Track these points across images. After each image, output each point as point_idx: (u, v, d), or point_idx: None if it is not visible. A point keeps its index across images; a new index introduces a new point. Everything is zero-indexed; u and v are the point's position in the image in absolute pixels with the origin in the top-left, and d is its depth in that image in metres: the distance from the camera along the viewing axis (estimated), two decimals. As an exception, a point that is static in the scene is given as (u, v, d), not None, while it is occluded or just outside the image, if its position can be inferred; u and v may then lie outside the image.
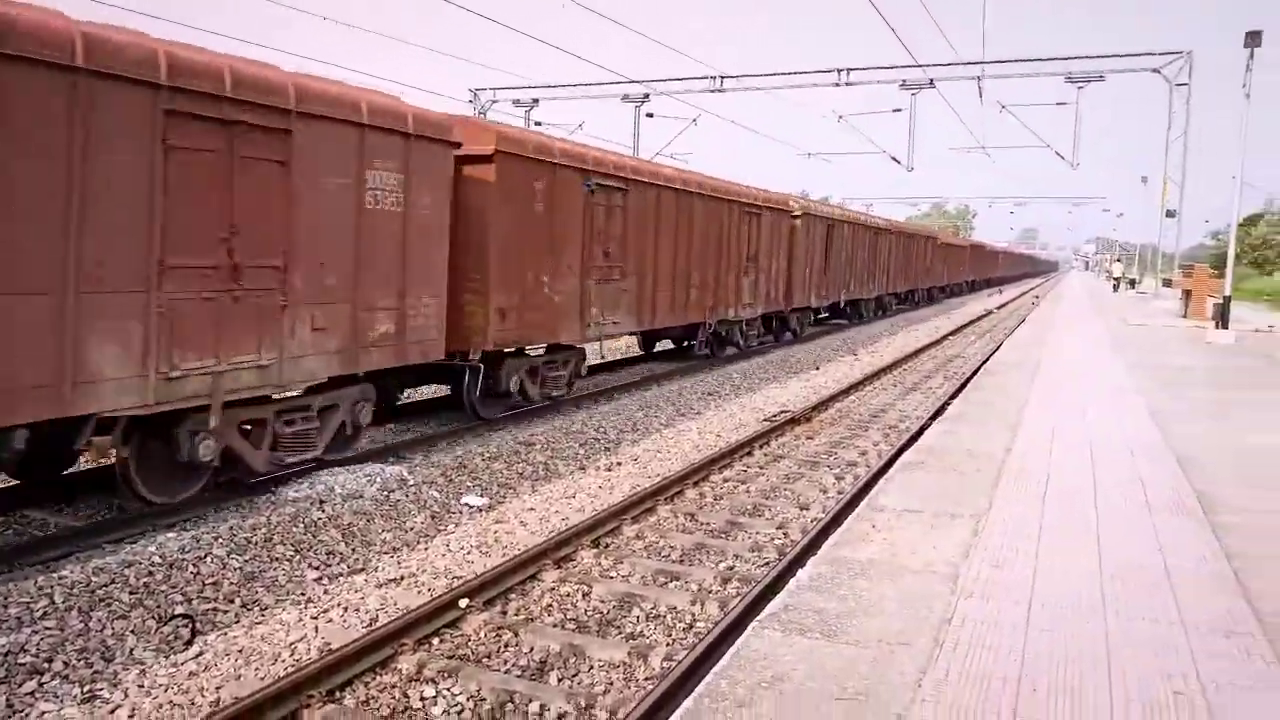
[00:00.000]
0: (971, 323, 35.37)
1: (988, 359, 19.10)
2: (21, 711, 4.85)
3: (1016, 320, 34.05)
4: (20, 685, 5.06)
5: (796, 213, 23.57)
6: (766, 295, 21.45)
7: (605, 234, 13.80)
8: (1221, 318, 22.88)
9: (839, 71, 32.11)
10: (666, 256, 16.08)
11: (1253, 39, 22.97)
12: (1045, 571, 5.59)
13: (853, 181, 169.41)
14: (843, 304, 29.38)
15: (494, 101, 38.01)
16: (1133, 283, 63.54)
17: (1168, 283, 39.60)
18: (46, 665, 5.28)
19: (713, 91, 33.90)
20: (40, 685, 5.09)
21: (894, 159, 34.86)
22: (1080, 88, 30.33)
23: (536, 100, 37.66)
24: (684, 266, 16.80)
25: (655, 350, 20.68)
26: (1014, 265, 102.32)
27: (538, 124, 37.55)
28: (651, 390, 15.74)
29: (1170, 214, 34.92)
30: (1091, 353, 18.94)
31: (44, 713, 4.85)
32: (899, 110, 32.94)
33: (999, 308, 46.77)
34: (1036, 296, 56.57)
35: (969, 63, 30.61)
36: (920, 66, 29.99)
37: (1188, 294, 30.85)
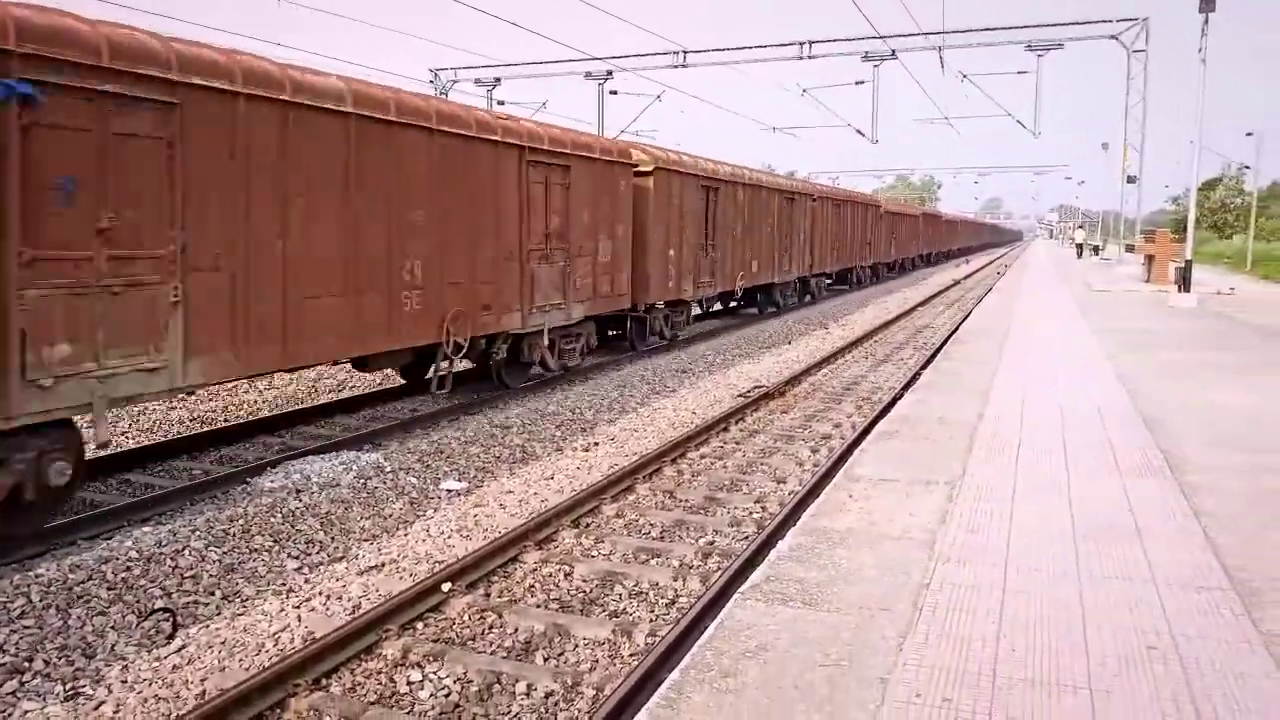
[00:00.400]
0: (939, 293, 35.68)
1: (957, 328, 19.31)
2: (4, 712, 4.81)
3: (984, 289, 34.40)
4: (1, 685, 5.01)
5: (644, 167, 16.54)
6: (593, 289, 14.62)
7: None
8: (1184, 281, 23.26)
9: (801, 44, 32.12)
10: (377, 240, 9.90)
11: (1207, 4, 23.20)
12: (1020, 534, 5.70)
13: (820, 156, 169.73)
14: (739, 292, 22.93)
15: (454, 81, 37.68)
16: (1096, 249, 64.44)
17: (1130, 248, 40.15)
18: (27, 664, 5.23)
19: (676, 67, 33.82)
20: (21, 684, 5.05)
21: (858, 131, 34.99)
22: (1040, 56, 30.61)
23: (498, 80, 37.38)
24: (381, 254, 9.89)
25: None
26: (975, 235, 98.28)
27: (500, 103, 37.28)
28: (625, 369, 15.77)
29: (1131, 180, 35.42)
30: (1058, 319, 19.20)
31: (27, 712, 4.82)
32: (862, 82, 33.07)
33: (965, 278, 47.19)
34: (1004, 266, 57.10)
35: (930, 33, 30.76)
36: (881, 38, 30.08)
37: (1150, 259, 31.32)
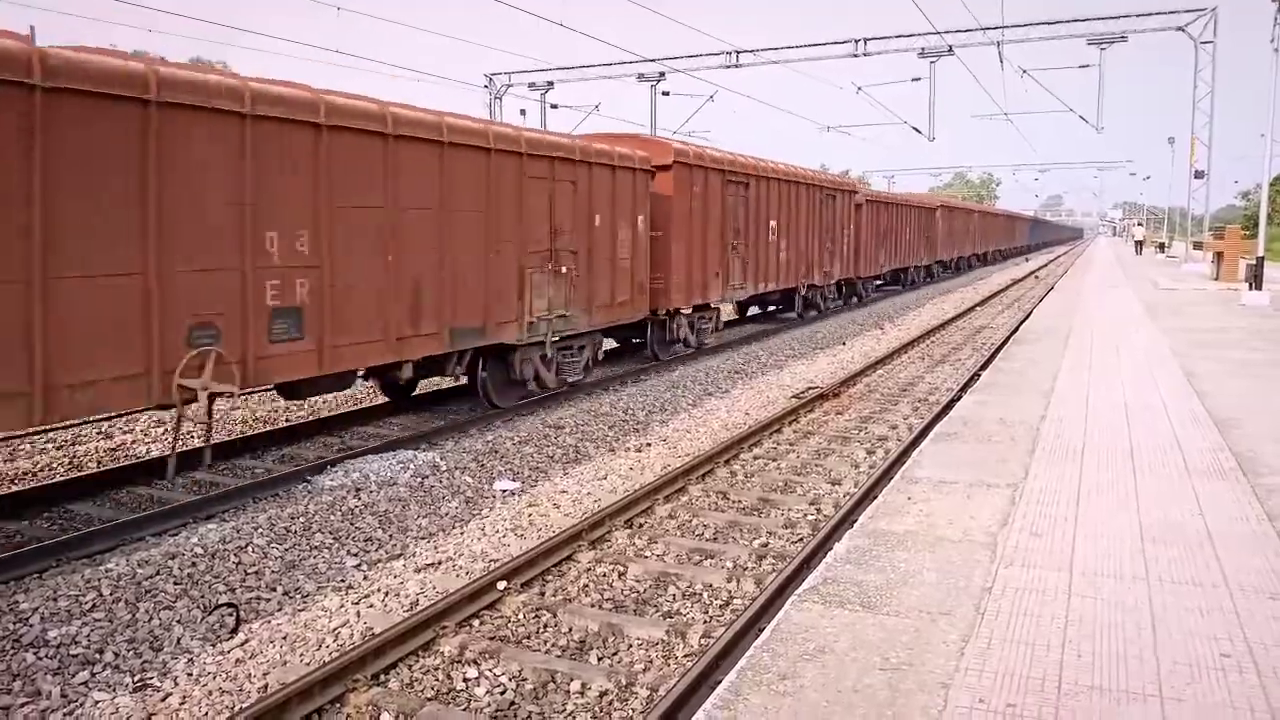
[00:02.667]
0: (997, 294, 35.01)
1: (1017, 328, 18.92)
2: (76, 701, 4.95)
3: (1044, 289, 33.66)
4: (74, 676, 5.17)
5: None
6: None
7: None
8: (1255, 279, 22.51)
9: (856, 42, 31.77)
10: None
11: (1281, -8, 22.44)
12: (1085, 538, 5.55)
13: (875, 154, 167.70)
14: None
15: (509, 86, 37.96)
16: (1161, 246, 62.66)
17: (1198, 245, 38.95)
18: (98, 656, 5.38)
19: (729, 67, 33.68)
20: (93, 675, 5.20)
21: (915, 129, 34.48)
22: (1103, 49, 29.86)
23: (551, 83, 37.58)
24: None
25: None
26: (1025, 233, 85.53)
27: (553, 106, 37.52)
28: (677, 370, 15.73)
29: (1199, 175, 34.37)
30: (1123, 318, 18.71)
31: (98, 702, 4.96)
32: (918, 79, 32.59)
33: (1025, 277, 46.24)
34: (1066, 265, 55.71)
35: (988, 28, 30.18)
36: (939, 34, 29.60)
37: (1219, 256, 30.37)
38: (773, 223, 19.82)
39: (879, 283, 32.96)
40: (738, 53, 33.33)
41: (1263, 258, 23.32)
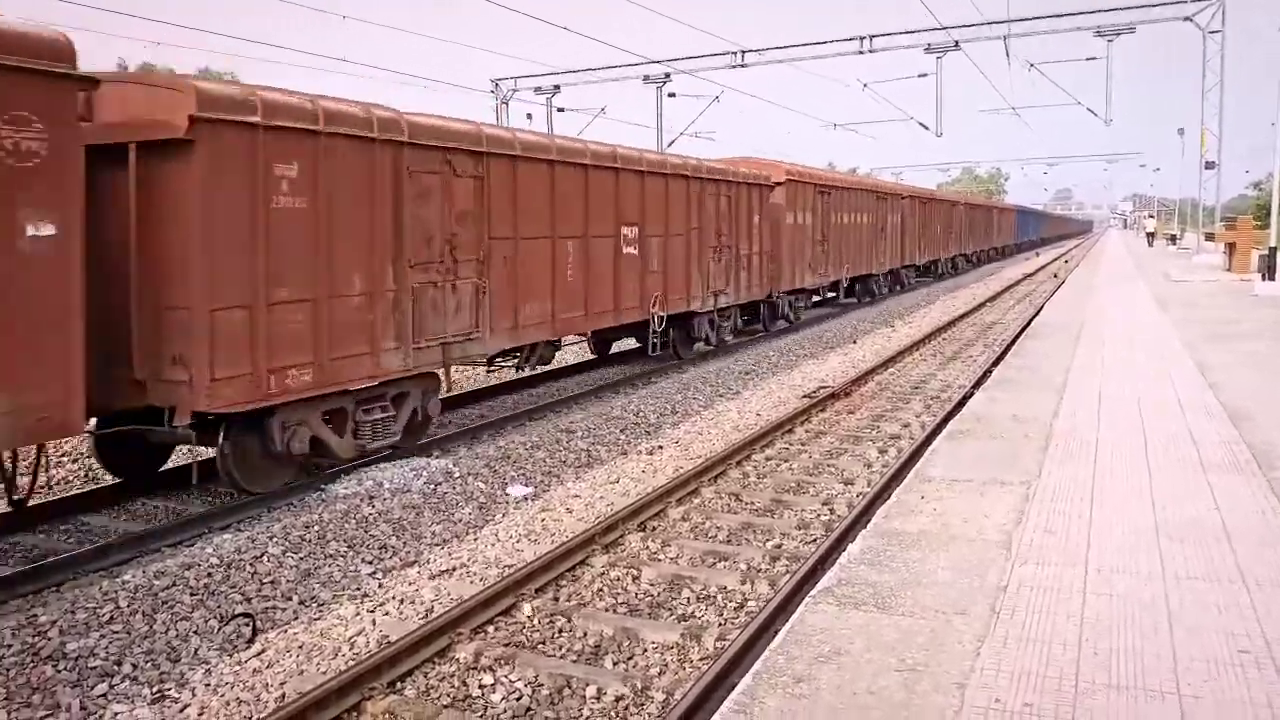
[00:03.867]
0: (1009, 288, 34.89)
1: (1029, 323, 18.85)
2: (95, 713, 4.98)
3: (1056, 283, 33.53)
4: (92, 688, 5.20)
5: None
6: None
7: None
8: (1269, 269, 22.35)
9: (862, 39, 31.69)
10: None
11: (1289, -20, 22.31)
12: (1100, 534, 5.52)
13: (883, 150, 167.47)
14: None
15: (515, 90, 38.04)
16: (1173, 238, 62.37)
17: (1210, 236, 38.69)
18: (116, 668, 5.42)
19: (734, 67, 33.64)
20: (111, 687, 5.23)
21: (922, 125, 34.38)
22: (1110, 41, 29.69)
23: (558, 87, 37.62)
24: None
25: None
26: (1010, 230, 69.56)
27: (560, 110, 37.55)
28: (688, 373, 15.73)
29: (1210, 166, 34.15)
30: (1135, 311, 18.61)
31: (117, 714, 4.99)
32: (925, 75, 32.47)
33: (1037, 271, 46.04)
34: (1077, 258, 55.40)
35: (995, 22, 30.07)
36: (944, 29, 29.53)
37: (1231, 247, 30.17)
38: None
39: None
40: (743, 52, 33.30)
41: (1275, 248, 23.15)
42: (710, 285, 16.43)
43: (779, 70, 34.33)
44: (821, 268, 22.85)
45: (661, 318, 14.72)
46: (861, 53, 31.68)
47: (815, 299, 25.20)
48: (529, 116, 37.83)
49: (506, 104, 37.90)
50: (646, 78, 35.98)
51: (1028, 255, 67.47)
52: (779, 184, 19.87)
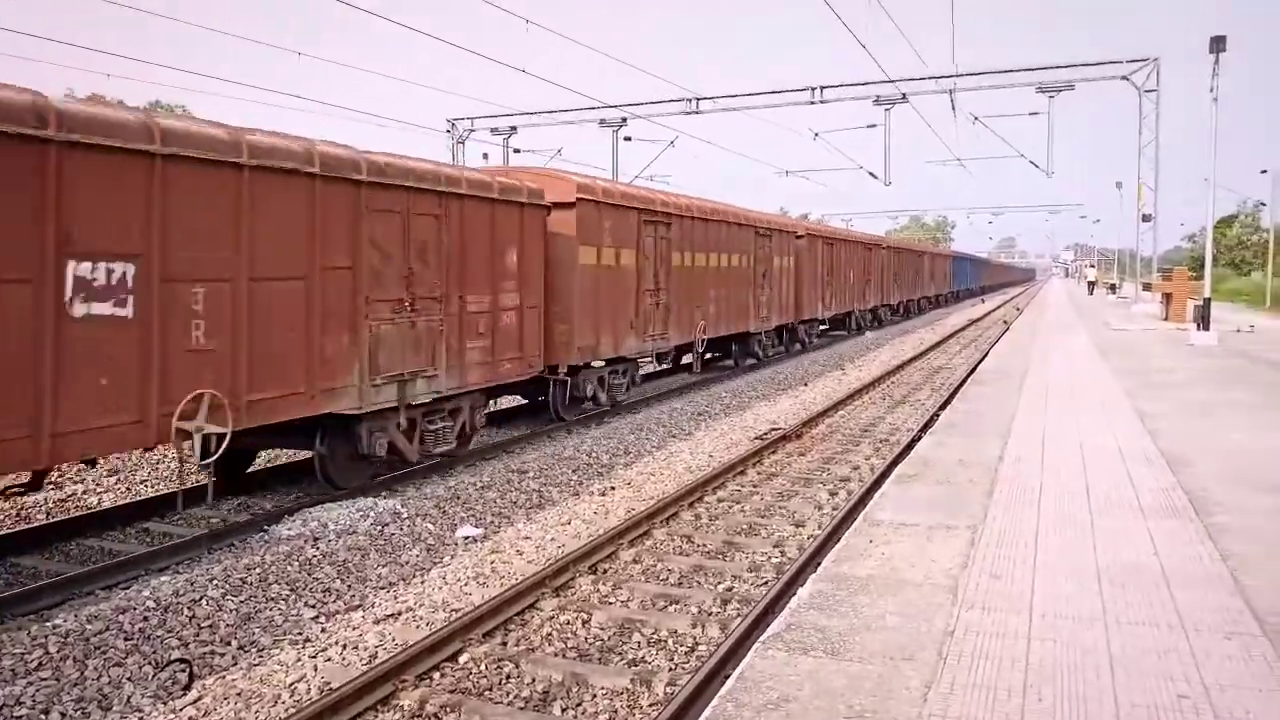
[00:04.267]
0: (954, 334, 35.56)
1: (974, 369, 19.20)
2: (19, 765, 4.77)
3: (1000, 329, 34.26)
4: (17, 739, 4.99)
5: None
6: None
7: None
8: (1203, 319, 23.09)
9: (813, 89, 32.45)
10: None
11: (1217, 44, 23.36)
12: (1044, 579, 5.61)
13: (833, 198, 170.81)
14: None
15: (471, 131, 38.17)
16: (1112, 287, 64.34)
17: (1147, 286, 39.93)
18: (43, 717, 5.21)
19: (689, 113, 34.18)
20: (37, 738, 5.02)
21: (871, 174, 35.16)
22: (1051, 97, 30.77)
23: (514, 128, 37.85)
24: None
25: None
26: (961, 275, 66.02)
27: (516, 151, 37.75)
28: (641, 413, 15.74)
29: (1146, 219, 35.34)
30: (1077, 359, 19.07)
31: (42, 766, 4.78)
32: (874, 126, 33.31)
33: (982, 318, 47.04)
34: (1020, 305, 56.73)
35: (940, 76, 31.00)
36: (892, 82, 30.32)
37: (1168, 297, 31.15)
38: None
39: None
40: (698, 99, 33.86)
41: (1209, 299, 23.94)
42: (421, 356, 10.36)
43: (733, 117, 34.91)
44: (653, 327, 16.44)
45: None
46: (813, 103, 32.45)
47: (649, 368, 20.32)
48: (485, 156, 37.98)
49: (463, 144, 38.00)
50: (603, 121, 36.38)
51: (965, 304, 68.85)
52: (563, 205, 13.47)
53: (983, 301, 69.09)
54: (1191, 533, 6.55)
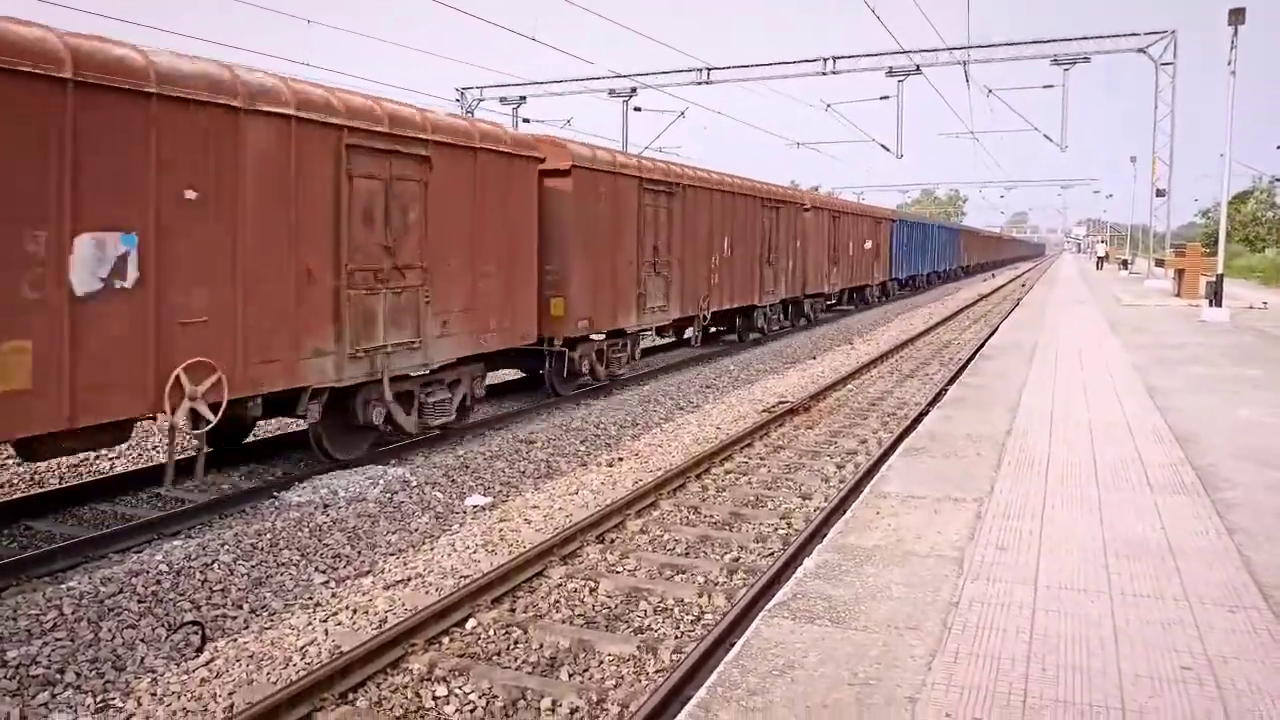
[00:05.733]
0: (964, 309, 35.44)
1: (983, 344, 19.16)
2: (36, 723, 4.86)
3: (1010, 304, 34.13)
4: (34, 697, 5.07)
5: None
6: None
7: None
8: (1215, 295, 22.95)
9: (825, 60, 32.13)
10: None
11: (1236, 16, 23.03)
12: (1050, 552, 5.63)
13: (844, 170, 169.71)
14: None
15: (480, 100, 37.98)
16: (1125, 263, 63.99)
17: (1160, 262, 39.66)
18: (59, 676, 5.29)
19: (700, 84, 33.92)
20: (53, 696, 5.11)
21: (883, 146, 34.89)
22: (1066, 69, 30.39)
23: (524, 98, 37.65)
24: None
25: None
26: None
27: (525, 120, 37.55)
28: (649, 385, 15.76)
29: (1160, 193, 35.06)
30: (1086, 334, 19.00)
31: (58, 724, 4.87)
32: (886, 97, 32.98)
33: (991, 293, 46.84)
34: (1030, 281, 56.44)
35: (954, 48, 30.65)
36: (906, 53, 30.02)
37: (1180, 273, 30.95)
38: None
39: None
40: (709, 69, 33.59)
41: (1222, 275, 23.79)
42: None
43: (744, 88, 34.57)
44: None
45: None
46: (824, 74, 32.12)
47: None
48: (494, 126, 37.72)
49: (471, 113, 37.80)
50: (612, 91, 36.13)
51: (985, 276, 68.38)
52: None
53: (993, 276, 68.65)
54: (1199, 508, 6.56)
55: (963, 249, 64.35)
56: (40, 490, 8.84)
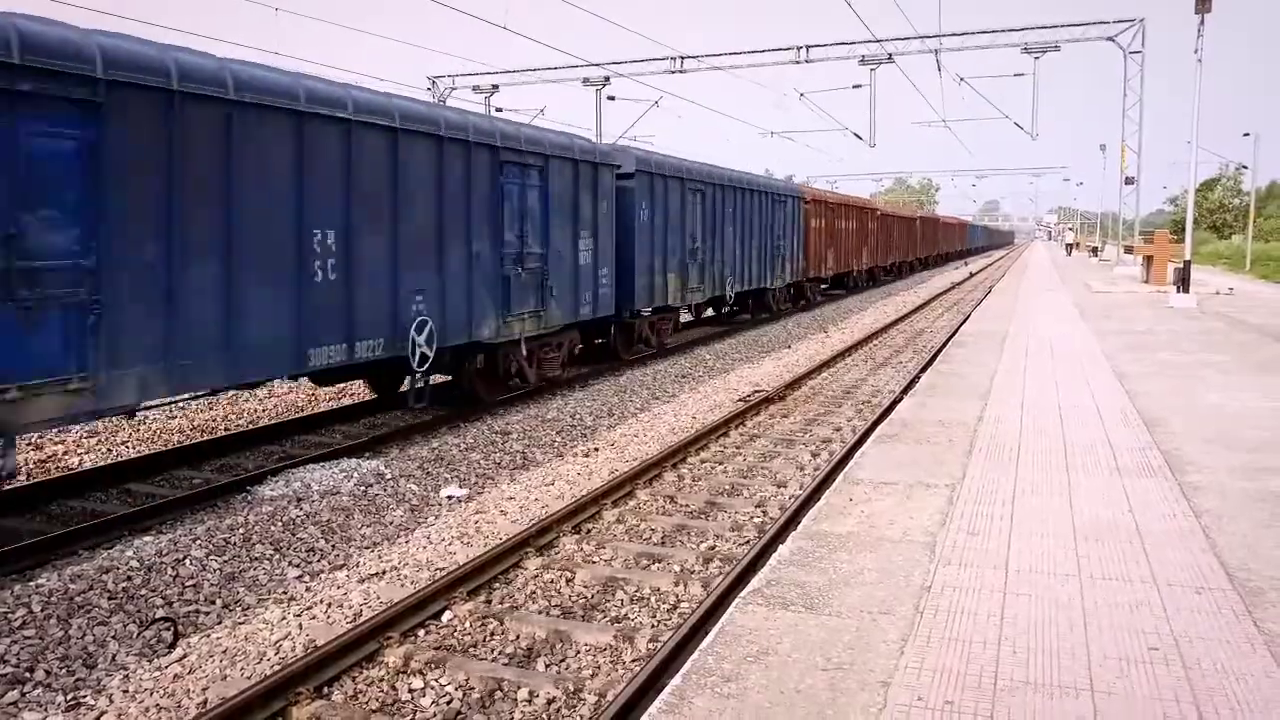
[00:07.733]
0: (937, 296, 35.69)
1: (956, 331, 19.31)
2: (5, 723, 4.80)
3: (982, 292, 34.41)
4: (2, 696, 5.01)
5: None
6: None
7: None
8: (1183, 282, 23.27)
9: (798, 49, 32.18)
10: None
11: (1202, 4, 23.27)
12: (1020, 536, 5.70)
13: (817, 159, 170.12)
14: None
15: (453, 89, 37.70)
16: (1095, 250, 64.74)
17: (1129, 249, 40.13)
18: (28, 675, 5.23)
19: (673, 73, 33.86)
20: (23, 695, 5.04)
21: (856, 135, 35.02)
22: (1037, 58, 30.65)
23: (496, 86, 37.42)
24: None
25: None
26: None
27: (498, 109, 37.33)
28: (625, 375, 15.77)
29: (1129, 181, 35.45)
30: (1057, 321, 19.21)
31: (28, 723, 4.81)
32: (859, 86, 33.09)
33: (964, 281, 47.19)
34: (1003, 268, 56.95)
35: (926, 36, 30.80)
36: (878, 41, 30.12)
37: (1149, 259, 31.33)
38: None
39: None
40: (682, 58, 33.54)
41: (1189, 261, 24.12)
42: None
43: (717, 77, 34.58)
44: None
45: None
46: (798, 62, 32.18)
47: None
48: (467, 116, 37.47)
49: (443, 102, 37.51)
50: (586, 80, 35.98)
51: (958, 264, 68.90)
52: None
53: (966, 264, 69.17)
54: (1166, 491, 6.66)
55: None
56: (8, 488, 8.70)
